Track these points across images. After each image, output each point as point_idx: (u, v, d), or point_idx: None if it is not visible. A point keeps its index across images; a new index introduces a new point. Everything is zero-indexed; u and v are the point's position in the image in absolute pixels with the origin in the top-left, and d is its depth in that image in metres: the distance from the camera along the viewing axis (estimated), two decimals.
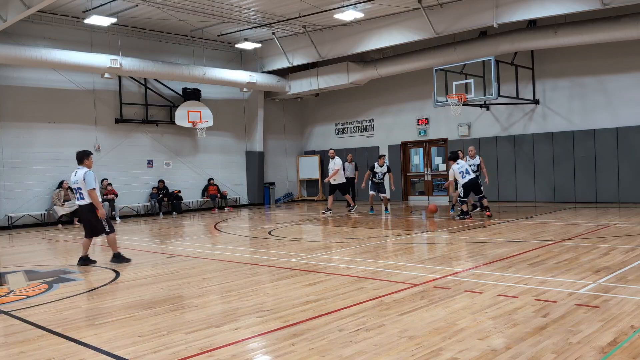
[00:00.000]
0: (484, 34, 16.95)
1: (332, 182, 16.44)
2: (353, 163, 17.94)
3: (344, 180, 16.59)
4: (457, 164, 13.47)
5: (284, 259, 8.52)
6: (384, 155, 16.52)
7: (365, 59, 19.92)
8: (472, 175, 13.42)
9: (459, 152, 14.15)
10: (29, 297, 6.52)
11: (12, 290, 6.91)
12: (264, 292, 6.31)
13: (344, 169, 16.82)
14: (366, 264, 7.76)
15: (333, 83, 20.49)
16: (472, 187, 13.51)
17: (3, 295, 6.61)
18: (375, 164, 15.97)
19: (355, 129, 22.70)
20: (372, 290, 6.03)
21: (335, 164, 16.32)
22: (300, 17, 17.09)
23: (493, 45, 16.33)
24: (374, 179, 15.98)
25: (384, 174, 15.93)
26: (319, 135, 24.00)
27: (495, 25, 15.21)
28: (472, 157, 14.43)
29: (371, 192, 16.05)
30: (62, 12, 16.34)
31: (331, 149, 17.67)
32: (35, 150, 16.38)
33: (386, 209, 16.16)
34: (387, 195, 16.54)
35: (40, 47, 15.58)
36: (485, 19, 15.37)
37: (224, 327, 4.84)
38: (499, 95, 15.56)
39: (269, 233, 12.39)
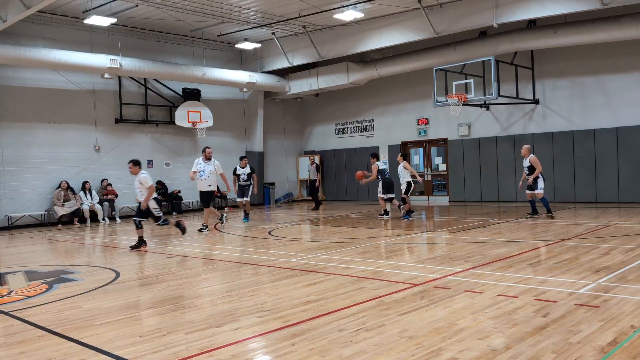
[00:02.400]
0: (483, 33, 16.95)
1: (205, 188, 13.13)
2: (315, 165, 17.76)
3: (211, 188, 13.19)
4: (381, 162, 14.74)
5: (284, 259, 8.52)
6: (246, 157, 15.72)
7: (365, 59, 19.92)
8: (388, 175, 14.70)
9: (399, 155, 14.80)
10: (29, 297, 6.52)
11: (12, 291, 6.91)
12: (264, 292, 6.31)
13: (308, 171, 16.51)
14: (366, 264, 7.77)
15: (333, 83, 20.50)
16: (389, 185, 14.53)
17: (3, 296, 6.61)
18: (237, 166, 15.28)
19: (355, 129, 22.70)
20: (372, 290, 6.03)
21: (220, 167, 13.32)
22: (300, 17, 17.09)
23: (493, 45, 16.34)
24: (238, 182, 15.16)
25: (247, 175, 15.13)
26: (319, 136, 24.00)
27: (495, 25, 15.21)
28: (525, 157, 13.18)
29: (239, 200, 15.36)
30: (62, 13, 16.34)
31: (207, 147, 13.55)
32: (35, 151, 16.38)
33: (245, 217, 15.30)
34: (248, 198, 15.36)
35: (40, 48, 15.58)
36: (485, 19, 15.38)
37: (224, 327, 4.85)
38: (499, 95, 15.56)
39: (269, 233, 12.40)
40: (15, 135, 16.02)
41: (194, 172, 13.08)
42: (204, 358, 4.07)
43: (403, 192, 14.30)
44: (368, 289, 6.15)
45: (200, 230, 12.91)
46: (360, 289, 6.14)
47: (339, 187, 23.16)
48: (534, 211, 13.25)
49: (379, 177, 14.75)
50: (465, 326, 4.56)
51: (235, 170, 15.32)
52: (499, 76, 15.50)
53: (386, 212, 14.72)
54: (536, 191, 12.90)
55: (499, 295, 5.58)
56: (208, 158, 13.09)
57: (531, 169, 12.86)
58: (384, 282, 6.48)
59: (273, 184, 22.80)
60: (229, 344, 4.38)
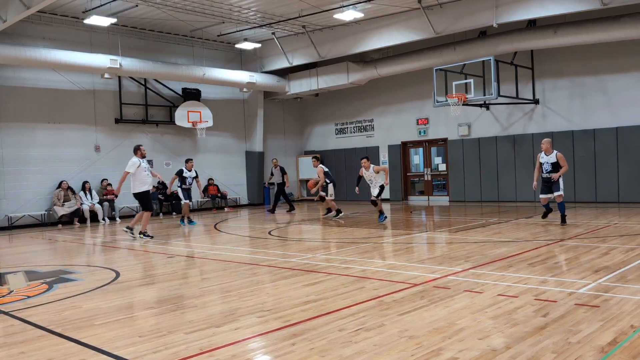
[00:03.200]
0: (483, 33, 16.95)
1: (137, 190, 11.98)
2: (279, 167, 17.79)
3: (147, 188, 12.03)
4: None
5: (283, 259, 8.52)
6: (192, 159, 15.32)
7: (365, 59, 19.92)
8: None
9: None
10: (29, 297, 6.52)
11: (12, 291, 6.91)
12: (264, 292, 6.31)
13: (272, 175, 16.58)
14: (366, 263, 7.77)
15: (333, 83, 20.50)
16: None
17: (3, 296, 6.61)
18: (183, 168, 14.86)
19: (355, 129, 22.70)
20: (372, 290, 6.03)
21: (129, 165, 11.90)
22: (300, 17, 17.09)
23: (493, 45, 16.34)
24: (184, 186, 14.78)
25: (193, 179, 14.76)
26: (319, 136, 24.00)
27: (495, 25, 15.21)
28: (548, 153, 11.24)
29: (185, 201, 14.86)
30: (61, 13, 16.34)
31: (140, 145, 12.33)
32: (35, 151, 16.38)
33: (189, 221, 14.75)
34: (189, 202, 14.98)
35: (40, 48, 15.57)
36: (485, 18, 15.38)
37: (224, 327, 4.84)
38: (499, 95, 15.56)
39: (269, 233, 12.39)
40: (15, 135, 16.02)
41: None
42: (204, 358, 4.07)
43: (375, 195, 13.46)
44: (368, 288, 6.14)
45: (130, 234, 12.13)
46: (360, 289, 6.14)
47: (339, 186, 23.08)
48: (548, 211, 11.76)
49: (327, 180, 15.28)
50: (465, 326, 4.56)
51: (181, 171, 14.82)
52: (498, 76, 15.50)
53: (340, 210, 15.42)
54: (557, 193, 11.10)
55: (498, 295, 5.58)
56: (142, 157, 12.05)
57: (555, 166, 11.03)
58: (384, 282, 6.48)
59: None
60: (229, 344, 4.37)
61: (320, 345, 4.22)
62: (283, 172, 18.04)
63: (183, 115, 19.27)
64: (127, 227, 12.31)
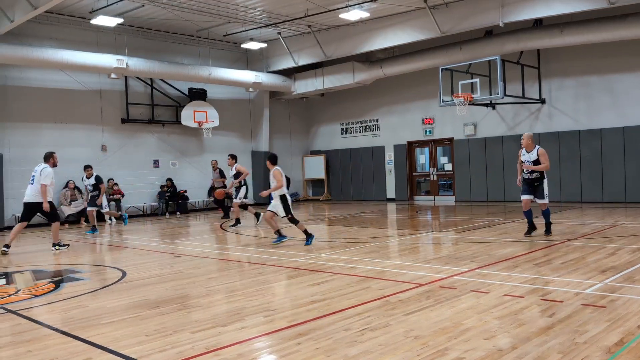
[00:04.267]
0: (489, 33, 16.90)
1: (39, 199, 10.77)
2: (218, 170, 17.17)
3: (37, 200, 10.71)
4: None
5: (289, 258, 8.52)
6: (90, 166, 14.29)
7: (370, 59, 19.90)
8: None
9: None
10: (36, 296, 6.55)
11: (19, 290, 6.94)
12: (270, 292, 6.32)
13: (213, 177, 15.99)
14: (372, 263, 7.76)
15: (338, 83, 20.49)
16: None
17: (10, 295, 6.64)
18: (84, 176, 14.20)
19: (360, 128, 22.68)
20: (378, 290, 6.03)
21: (47, 177, 10.66)
22: (305, 17, 17.09)
23: (499, 45, 16.29)
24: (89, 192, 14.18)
25: (93, 185, 13.93)
26: (325, 135, 24.00)
27: (501, 25, 15.16)
28: (529, 149, 9.54)
29: (90, 209, 14.11)
30: (68, 13, 16.40)
31: (53, 152, 11.35)
32: (42, 150, 16.28)
33: (92, 229, 13.88)
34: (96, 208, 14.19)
35: (47, 48, 15.64)
36: (491, 18, 15.33)
37: (229, 327, 4.85)
38: (505, 95, 15.51)
39: (275, 233, 12.37)
40: (22, 135, 16.08)
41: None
42: (209, 357, 4.08)
43: (282, 212, 9.98)
44: (373, 288, 6.14)
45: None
46: (365, 289, 6.13)
47: (344, 186, 23.16)
48: (532, 227, 9.88)
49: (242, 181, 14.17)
50: (471, 326, 4.55)
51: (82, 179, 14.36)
52: (505, 76, 15.44)
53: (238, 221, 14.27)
54: (540, 201, 9.57)
55: (505, 295, 5.56)
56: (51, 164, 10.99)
57: (537, 164, 9.40)
58: (390, 281, 6.47)
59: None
60: (235, 343, 4.38)
61: (325, 345, 4.22)
62: (222, 174, 17.15)
63: (189, 115, 19.32)
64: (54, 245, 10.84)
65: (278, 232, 10.13)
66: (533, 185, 9.57)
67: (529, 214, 9.79)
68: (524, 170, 9.59)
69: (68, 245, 11.03)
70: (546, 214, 9.76)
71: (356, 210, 17.67)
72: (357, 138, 22.80)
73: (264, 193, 10.25)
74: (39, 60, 15.42)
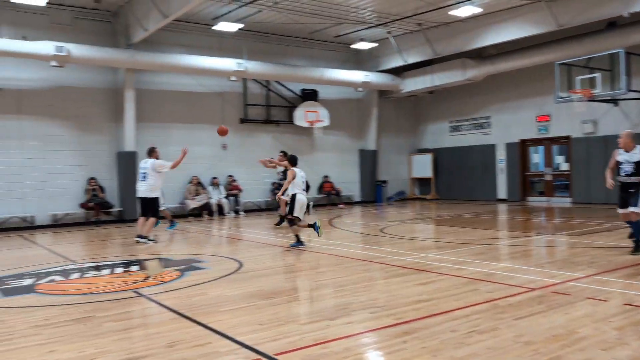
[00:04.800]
0: (612, 24, 15.63)
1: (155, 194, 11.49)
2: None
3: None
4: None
5: (395, 257, 8.48)
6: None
7: (482, 55, 19.20)
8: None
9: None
10: (163, 282, 7.07)
11: (149, 276, 7.52)
12: (376, 289, 6.34)
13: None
14: (480, 265, 7.52)
15: (448, 80, 19.98)
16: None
17: (142, 280, 7.23)
18: None
19: (470, 126, 21.97)
20: (486, 293, 5.84)
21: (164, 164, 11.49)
22: (415, 15, 16.86)
23: (623, 36, 15.00)
24: None
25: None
26: (433, 133, 23.52)
27: (625, 15, 13.97)
28: (628, 149, 8.11)
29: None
30: (194, 20, 17.42)
31: (153, 147, 11.89)
32: (171, 149, 17.40)
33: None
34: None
35: (176, 54, 16.78)
36: (615, 8, 14.15)
37: (337, 321, 4.93)
38: (629, 90, 14.29)
39: (381, 231, 12.39)
40: (154, 134, 17.29)
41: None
42: (317, 349, 4.18)
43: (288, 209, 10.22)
44: (482, 291, 5.95)
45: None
46: (473, 291, 5.96)
47: (452, 186, 22.55)
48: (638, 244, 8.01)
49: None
50: (586, 335, 4.27)
51: None
52: (629, 69, 14.22)
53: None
54: (632, 209, 7.81)
55: (625, 304, 5.16)
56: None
57: (639, 166, 7.89)
58: (499, 285, 6.24)
59: (385, 181, 22.73)
60: (342, 337, 4.45)
61: (432, 345, 4.17)
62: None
63: (301, 115, 19.81)
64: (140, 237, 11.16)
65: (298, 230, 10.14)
66: (629, 192, 7.90)
67: (635, 225, 7.98)
68: (622, 173, 8.03)
69: (154, 241, 11.23)
70: (636, 228, 7.95)
71: (464, 211, 17.17)
72: (466, 136, 22.11)
73: (279, 195, 10.80)
74: (169, 66, 16.62)
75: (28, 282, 7.32)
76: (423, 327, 4.65)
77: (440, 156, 22.98)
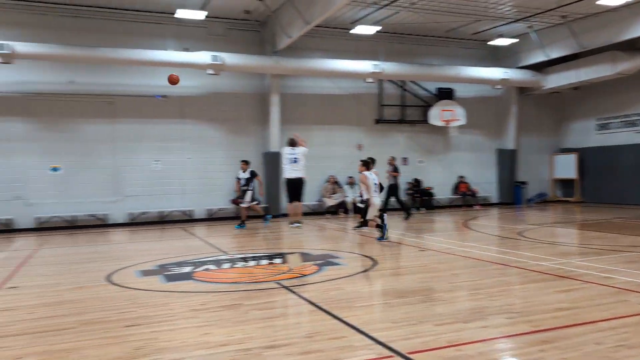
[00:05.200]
0: None
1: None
2: (393, 166, 16.15)
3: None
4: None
5: (534, 261, 8.03)
6: (246, 161, 14.59)
7: (635, 46, 17.37)
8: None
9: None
10: (303, 276, 7.39)
11: (291, 269, 7.91)
12: (513, 294, 6.07)
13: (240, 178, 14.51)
14: (631, 275, 6.85)
15: (596, 75, 18.34)
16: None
17: (283, 273, 7.62)
18: (240, 170, 14.47)
19: (620, 124, 19.97)
20: (637, 305, 5.32)
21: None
22: (559, 7, 15.73)
23: None
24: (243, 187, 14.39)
25: (247, 179, 14.18)
26: (577, 132, 21.74)
27: None
28: None
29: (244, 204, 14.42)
30: (333, 25, 17.84)
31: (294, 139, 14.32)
32: (312, 150, 17.92)
33: (241, 224, 14.29)
34: (247, 203, 14.31)
35: (316, 58, 17.38)
36: None
37: (471, 324, 4.82)
38: None
39: (520, 234, 11.77)
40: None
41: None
42: (451, 351, 4.13)
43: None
44: (632, 302, 5.44)
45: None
46: (622, 302, 5.47)
47: (599, 188, 20.67)
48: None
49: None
50: None
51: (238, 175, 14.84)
52: None
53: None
54: None
55: None
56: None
57: None
58: None
59: (525, 183, 21.48)
60: (477, 341, 4.35)
61: (573, 357, 3.92)
62: (396, 170, 16.18)
63: (437, 115, 19.43)
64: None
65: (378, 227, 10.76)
66: None
67: None
68: None
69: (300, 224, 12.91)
70: None
71: (613, 215, 15.69)
72: (616, 135, 20.13)
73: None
74: (310, 70, 17.32)
75: (187, 269, 8.07)
76: (563, 336, 4.38)
77: (585, 156, 21.20)
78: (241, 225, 14.31)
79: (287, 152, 13.85)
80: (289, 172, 13.67)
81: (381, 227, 10.60)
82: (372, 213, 10.59)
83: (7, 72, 14.57)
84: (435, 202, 19.91)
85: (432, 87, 20.01)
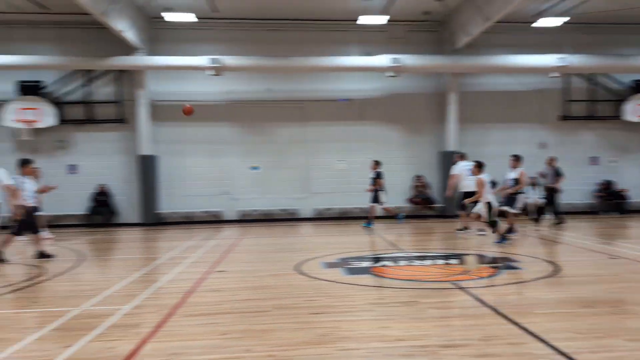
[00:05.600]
0: None
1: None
2: (554, 168, 14.06)
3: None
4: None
5: None
6: (376, 161, 14.32)
7: None
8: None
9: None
10: (480, 278, 7.22)
11: (467, 271, 7.77)
12: None
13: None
14: None
15: None
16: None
17: (460, 274, 7.53)
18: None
19: None
20: None
21: None
22: None
23: None
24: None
25: (372, 179, 14.16)
26: None
27: None
28: None
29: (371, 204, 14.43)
30: (513, 20, 16.75)
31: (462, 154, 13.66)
32: (490, 149, 16.90)
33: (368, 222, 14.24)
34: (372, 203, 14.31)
35: (495, 55, 16.66)
36: None
37: None
38: None
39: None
40: (474, 135, 17.35)
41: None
42: None
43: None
44: None
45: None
46: None
47: None
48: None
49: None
50: None
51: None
52: None
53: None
54: None
55: None
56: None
57: None
58: None
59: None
60: None
61: None
62: (558, 173, 13.96)
63: (633, 109, 17.30)
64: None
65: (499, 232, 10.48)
66: None
67: None
68: None
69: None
70: None
71: None
72: None
73: (467, 201, 11.26)
74: (489, 67, 16.81)
75: (365, 264, 8.43)
76: None
77: None
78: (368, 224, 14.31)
79: (463, 165, 12.69)
80: (465, 183, 12.31)
81: (493, 225, 10.50)
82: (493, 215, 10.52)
83: (216, 83, 16.58)
84: (630, 206, 17.72)
85: (628, 79, 17.85)
